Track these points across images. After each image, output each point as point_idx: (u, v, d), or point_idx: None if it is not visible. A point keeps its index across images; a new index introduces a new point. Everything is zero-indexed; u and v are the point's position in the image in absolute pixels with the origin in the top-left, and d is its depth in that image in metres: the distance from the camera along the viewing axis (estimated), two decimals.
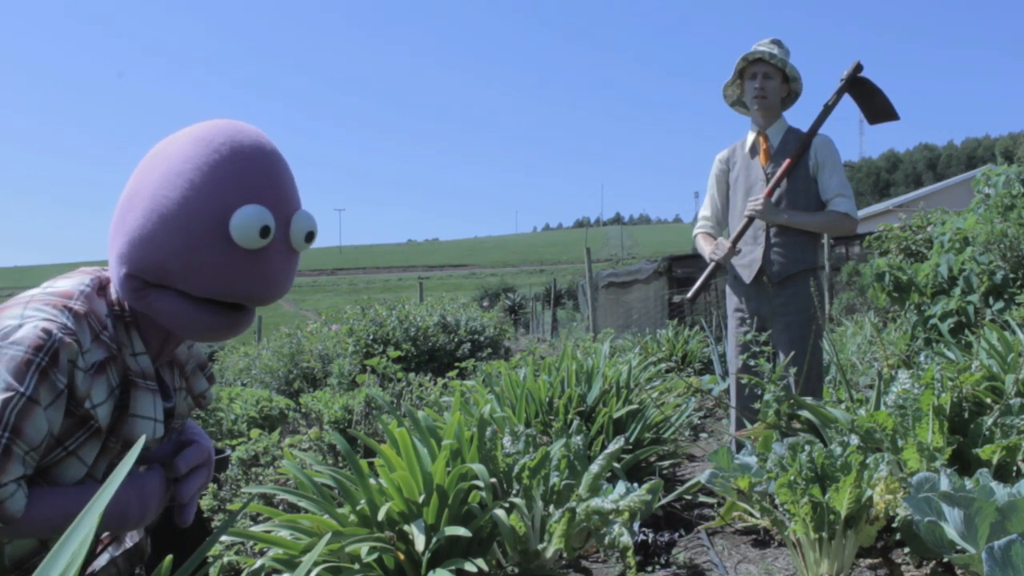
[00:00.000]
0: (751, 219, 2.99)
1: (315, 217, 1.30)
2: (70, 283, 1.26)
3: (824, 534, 1.96)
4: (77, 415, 1.19)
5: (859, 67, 3.06)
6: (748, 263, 3.04)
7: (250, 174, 1.21)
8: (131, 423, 1.25)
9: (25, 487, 1.13)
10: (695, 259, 10.83)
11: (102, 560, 1.37)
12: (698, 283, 3.18)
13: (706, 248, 3.11)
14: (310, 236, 1.28)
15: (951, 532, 1.64)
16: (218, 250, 1.19)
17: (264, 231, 1.19)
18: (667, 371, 5.10)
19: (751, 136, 3.09)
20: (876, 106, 3.09)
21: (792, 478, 1.97)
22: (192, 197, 1.18)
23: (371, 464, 2.19)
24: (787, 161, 2.96)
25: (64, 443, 1.20)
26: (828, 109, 3.05)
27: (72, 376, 1.16)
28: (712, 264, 3.04)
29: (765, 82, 2.97)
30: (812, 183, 2.99)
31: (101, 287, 1.29)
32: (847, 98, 3.11)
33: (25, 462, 1.12)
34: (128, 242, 1.21)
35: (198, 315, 1.23)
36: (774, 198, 2.96)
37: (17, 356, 1.10)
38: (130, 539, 1.42)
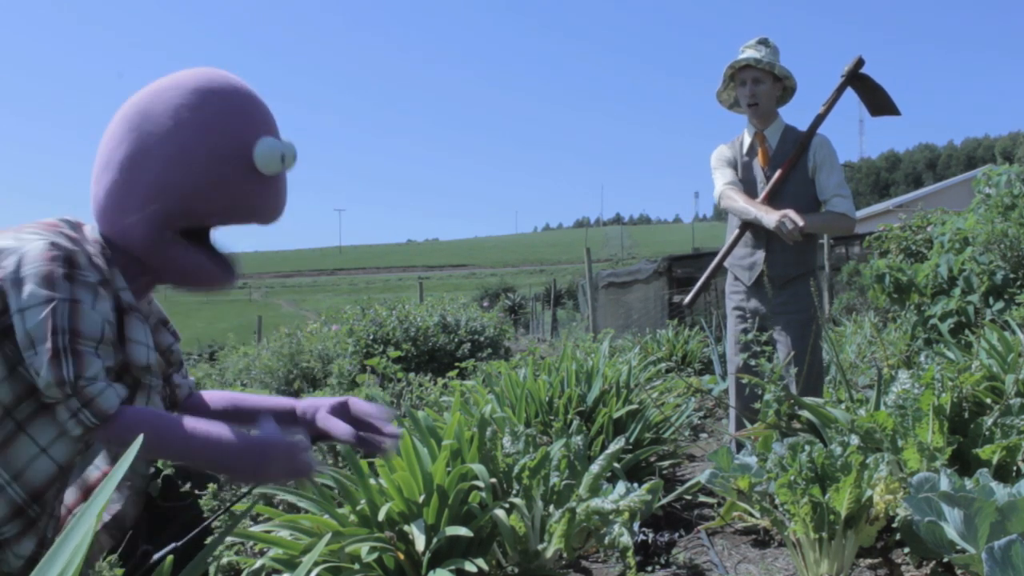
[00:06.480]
0: (749, 222, 2.98)
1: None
2: (52, 219, 1.31)
3: (824, 534, 1.96)
4: None
5: (860, 62, 3.03)
6: (749, 266, 3.03)
7: (254, 110, 1.34)
8: (130, 347, 1.29)
9: (115, 385, 1.17)
10: (695, 259, 10.83)
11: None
12: (697, 285, 3.17)
13: (753, 203, 2.88)
14: (295, 158, 1.41)
15: (951, 532, 1.64)
16: (245, 182, 1.31)
17: (283, 158, 1.34)
18: (667, 371, 5.10)
19: (748, 137, 3.07)
20: (877, 101, 3.08)
21: (792, 478, 1.97)
22: (214, 139, 1.29)
23: (371, 464, 2.19)
24: (785, 163, 2.94)
25: None
26: (829, 106, 3.04)
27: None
28: (711, 266, 3.04)
29: (756, 87, 2.91)
30: (810, 184, 2.97)
31: (77, 227, 1.33)
32: (849, 93, 3.09)
33: (100, 354, 1.16)
34: (148, 195, 1.28)
35: (211, 264, 1.35)
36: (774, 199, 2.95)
37: (39, 271, 1.15)
38: (107, 512, 1.40)
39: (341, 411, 1.48)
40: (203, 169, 1.28)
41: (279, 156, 1.33)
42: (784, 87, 3.01)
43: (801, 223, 2.71)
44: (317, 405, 1.48)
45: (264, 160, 1.31)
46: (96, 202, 1.33)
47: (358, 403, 1.49)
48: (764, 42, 2.98)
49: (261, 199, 1.34)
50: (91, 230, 1.34)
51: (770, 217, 2.78)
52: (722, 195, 3.01)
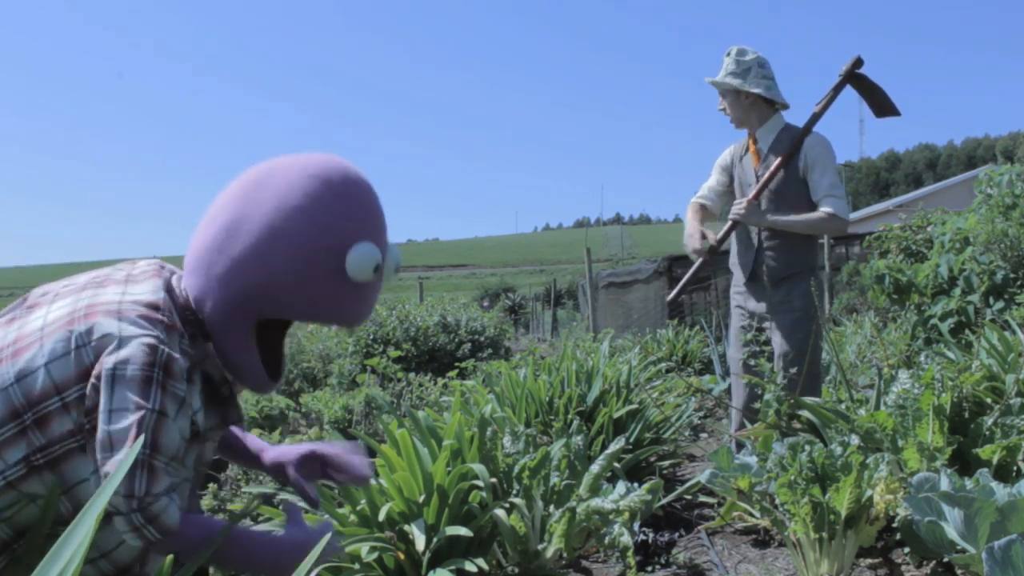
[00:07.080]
0: (735, 223, 2.98)
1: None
2: (150, 291, 1.27)
3: (824, 534, 1.96)
4: None
5: (859, 62, 3.00)
6: (744, 263, 3.05)
7: (362, 213, 1.28)
8: (206, 447, 1.32)
9: (177, 499, 1.17)
10: None
11: None
12: (680, 284, 3.20)
13: (690, 225, 3.08)
14: (399, 268, 1.38)
15: (951, 532, 1.64)
16: (331, 283, 1.26)
17: (377, 269, 1.28)
18: (667, 371, 5.10)
19: (746, 138, 3.09)
20: (877, 101, 3.07)
21: (792, 478, 1.97)
22: (310, 231, 1.24)
23: (371, 464, 2.19)
24: (776, 163, 2.94)
25: None
26: (825, 106, 3.03)
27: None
28: (695, 265, 3.08)
29: (724, 100, 3.00)
30: (802, 184, 2.95)
31: (170, 291, 1.30)
32: (850, 93, 3.08)
33: (169, 473, 1.17)
34: (234, 266, 1.25)
35: (262, 370, 1.32)
36: (764, 200, 2.95)
37: (136, 375, 1.14)
38: None
39: (309, 459, 1.51)
40: (289, 259, 1.24)
41: (372, 265, 1.26)
42: (764, 89, 2.92)
43: (698, 260, 3.01)
44: (286, 458, 1.51)
45: (355, 267, 1.25)
46: (193, 252, 1.30)
47: (324, 448, 1.52)
48: (728, 53, 2.99)
49: (343, 304, 1.29)
50: (177, 280, 1.32)
51: (688, 242, 3.04)
52: (689, 207, 3.19)
